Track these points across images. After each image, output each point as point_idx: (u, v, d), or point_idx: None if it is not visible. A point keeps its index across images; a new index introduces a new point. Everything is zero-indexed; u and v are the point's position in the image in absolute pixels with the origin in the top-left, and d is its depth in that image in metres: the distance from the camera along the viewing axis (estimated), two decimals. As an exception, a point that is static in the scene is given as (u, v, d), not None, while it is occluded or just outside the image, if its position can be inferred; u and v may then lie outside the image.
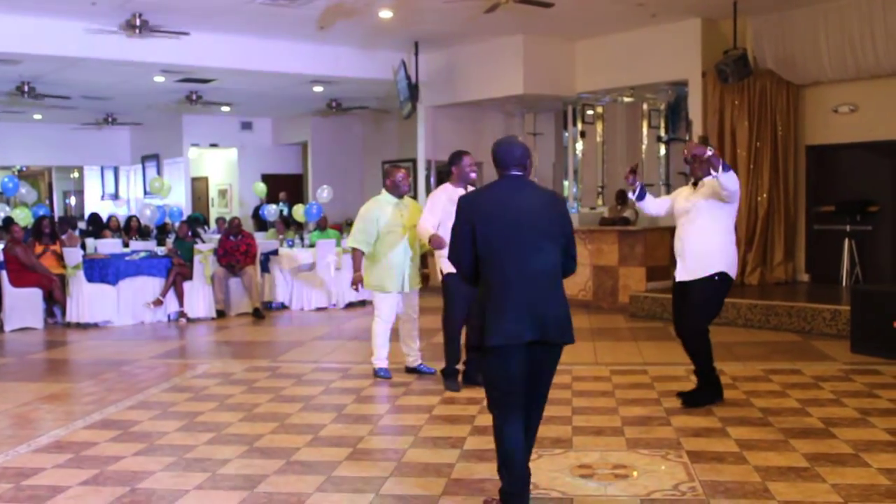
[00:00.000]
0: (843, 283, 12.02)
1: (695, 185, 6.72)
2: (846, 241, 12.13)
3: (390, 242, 7.82)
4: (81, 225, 18.85)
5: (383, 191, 8.04)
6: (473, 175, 7.51)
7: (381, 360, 8.10)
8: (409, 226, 7.80)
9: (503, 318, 4.25)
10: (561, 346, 4.44)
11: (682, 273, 6.67)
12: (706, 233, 6.55)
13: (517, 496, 4.37)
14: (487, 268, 4.34)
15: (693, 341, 6.67)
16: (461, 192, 7.46)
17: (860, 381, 7.60)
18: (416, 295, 8.11)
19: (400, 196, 7.98)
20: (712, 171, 6.32)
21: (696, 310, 6.62)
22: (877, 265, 11.98)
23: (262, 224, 19.38)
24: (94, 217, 19.15)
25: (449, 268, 7.38)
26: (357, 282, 8.02)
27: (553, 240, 4.40)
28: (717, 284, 6.58)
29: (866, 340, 8.75)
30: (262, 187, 19.66)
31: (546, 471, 5.19)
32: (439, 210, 7.37)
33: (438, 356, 7.97)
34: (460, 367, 7.64)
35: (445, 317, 7.54)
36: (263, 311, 12.75)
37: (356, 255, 7.96)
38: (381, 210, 7.89)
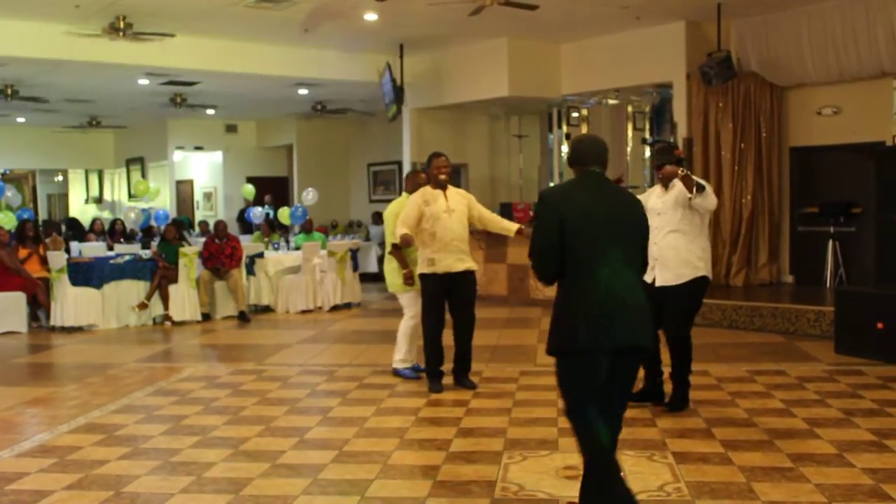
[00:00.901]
0: (827, 285, 12.09)
1: (665, 186, 6.58)
2: (830, 243, 12.20)
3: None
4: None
5: (404, 193, 8.14)
6: (442, 177, 7.56)
7: (403, 362, 8.15)
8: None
9: (595, 320, 4.07)
10: (645, 350, 4.28)
11: (663, 277, 6.48)
12: (688, 236, 6.47)
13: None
14: (575, 268, 4.13)
15: (681, 346, 6.58)
16: (438, 193, 7.53)
17: (844, 381, 7.64)
18: None
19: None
20: (687, 193, 6.30)
21: (684, 314, 6.56)
22: (860, 266, 12.03)
23: (247, 227, 19.32)
24: (73, 222, 19.06)
25: (423, 268, 7.45)
26: (411, 277, 7.87)
27: (637, 239, 4.30)
28: (702, 287, 6.57)
29: (850, 341, 8.79)
30: (250, 189, 19.60)
31: (532, 472, 5.21)
32: (415, 211, 7.45)
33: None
34: (445, 368, 7.71)
35: (423, 318, 7.62)
36: (249, 314, 12.72)
37: (398, 253, 7.93)
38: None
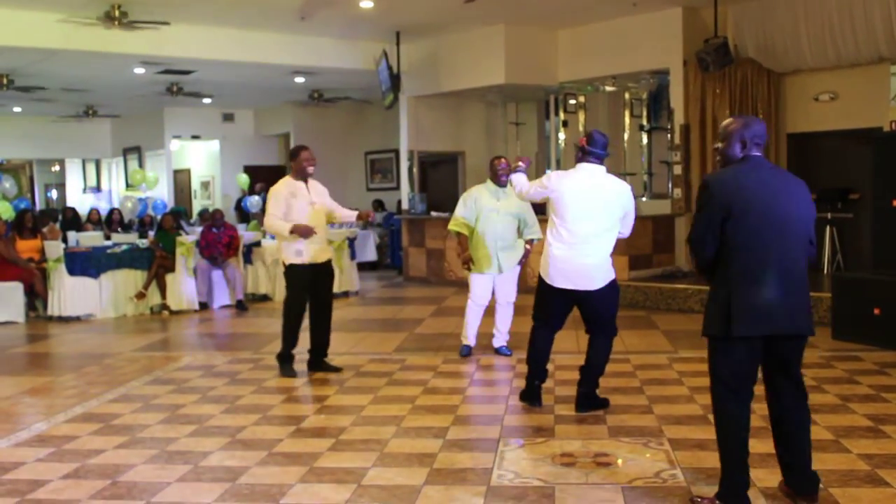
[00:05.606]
0: (825, 271, 12.08)
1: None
2: (827, 229, 12.17)
3: (485, 226, 8.13)
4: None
5: (488, 180, 8.35)
6: (311, 170, 7.82)
7: (466, 338, 8.45)
8: (506, 211, 8.13)
9: (758, 306, 4.07)
10: (806, 338, 4.29)
11: None
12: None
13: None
14: (741, 256, 4.09)
15: None
16: (301, 185, 7.78)
17: (841, 367, 7.65)
18: (511, 279, 8.39)
19: (501, 185, 8.21)
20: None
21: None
22: (857, 252, 12.03)
23: (244, 216, 19.30)
24: (69, 211, 19.03)
25: (292, 259, 7.67)
26: (467, 261, 8.23)
27: (806, 226, 4.25)
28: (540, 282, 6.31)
29: (847, 327, 8.80)
30: (245, 179, 19.56)
31: (528, 459, 5.21)
32: (283, 202, 7.68)
33: (426, 346, 7.94)
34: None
35: (287, 305, 7.86)
36: (246, 303, 12.71)
37: (461, 238, 8.27)
38: (479, 194, 8.26)
